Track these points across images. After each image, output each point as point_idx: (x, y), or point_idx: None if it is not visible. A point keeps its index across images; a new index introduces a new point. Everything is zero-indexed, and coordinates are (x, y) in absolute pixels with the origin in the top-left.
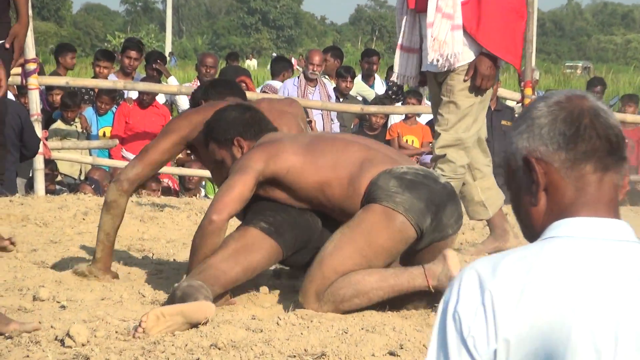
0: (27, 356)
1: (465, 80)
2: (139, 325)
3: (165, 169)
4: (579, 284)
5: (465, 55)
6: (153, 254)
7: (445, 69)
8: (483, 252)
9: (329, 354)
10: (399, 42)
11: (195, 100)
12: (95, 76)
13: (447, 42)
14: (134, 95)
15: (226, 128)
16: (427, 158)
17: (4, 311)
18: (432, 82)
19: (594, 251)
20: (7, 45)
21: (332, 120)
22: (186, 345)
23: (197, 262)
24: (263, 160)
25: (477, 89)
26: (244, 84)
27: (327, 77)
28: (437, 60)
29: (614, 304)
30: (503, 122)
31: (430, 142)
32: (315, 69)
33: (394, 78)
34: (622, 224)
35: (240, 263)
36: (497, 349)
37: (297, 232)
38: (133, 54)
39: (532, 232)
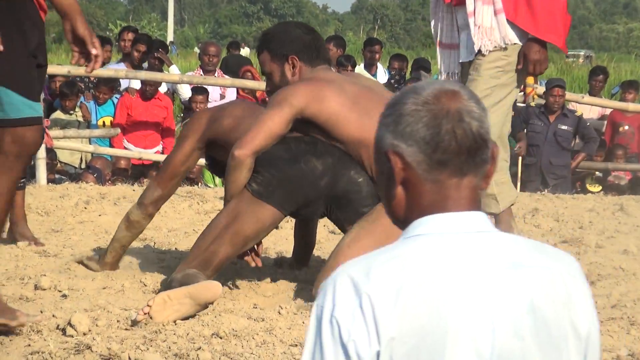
0: (29, 345)
1: (518, 69)
2: (143, 310)
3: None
4: (451, 277)
5: (510, 37)
6: (154, 243)
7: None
8: None
9: None
10: (438, 40)
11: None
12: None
13: (493, 27)
14: (135, 84)
15: (285, 42)
16: None
17: (6, 300)
18: (466, 74)
19: (460, 244)
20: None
21: None
22: (187, 334)
23: (228, 199)
24: (306, 98)
25: (503, 72)
26: (249, 74)
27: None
28: (485, 46)
29: (486, 293)
30: None
31: None
32: None
33: (442, 77)
34: (479, 215)
35: (229, 240)
36: (380, 350)
37: (289, 187)
38: (141, 47)
39: (395, 219)
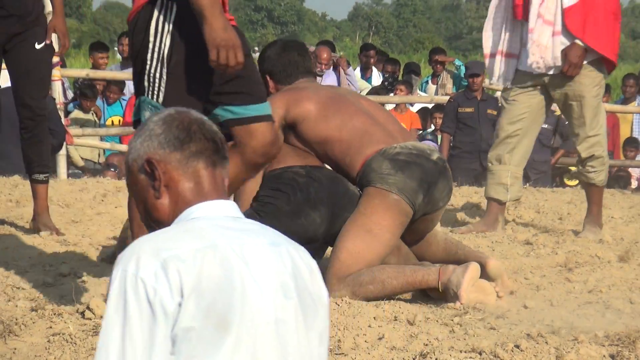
0: (50, 327)
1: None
2: None
3: None
4: (234, 246)
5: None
6: None
7: (546, 72)
8: (471, 232)
9: (330, 325)
10: (499, 48)
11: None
12: (96, 67)
13: (547, 46)
14: None
15: (261, 62)
16: None
17: (30, 286)
18: (525, 79)
19: (230, 224)
20: (48, 41)
21: None
22: None
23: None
24: (284, 105)
25: (599, 87)
26: None
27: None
28: (537, 63)
29: (261, 262)
30: (489, 111)
31: (418, 129)
32: (323, 68)
33: (494, 80)
34: (232, 203)
35: None
36: (182, 302)
37: (292, 239)
38: None
39: (161, 224)
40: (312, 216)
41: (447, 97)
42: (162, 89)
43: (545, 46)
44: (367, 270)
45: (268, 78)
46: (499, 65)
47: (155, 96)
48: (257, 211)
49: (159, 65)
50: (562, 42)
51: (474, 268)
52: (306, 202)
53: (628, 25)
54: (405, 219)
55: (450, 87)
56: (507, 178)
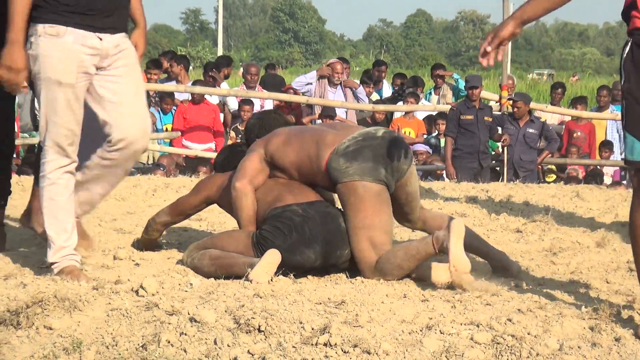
0: (109, 303)
1: None
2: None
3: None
4: None
5: None
6: (208, 222)
7: None
8: None
9: (348, 301)
10: None
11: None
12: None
13: None
14: (183, 97)
15: (247, 133)
16: (419, 147)
17: (91, 268)
18: None
19: None
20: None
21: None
22: (234, 294)
23: (242, 223)
24: (262, 144)
25: None
26: (291, 90)
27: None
28: None
29: None
30: (486, 118)
31: (424, 133)
32: (339, 77)
33: None
34: None
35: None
36: None
37: (282, 260)
38: (253, 69)
39: None
40: (307, 254)
41: (448, 106)
42: None
43: None
44: (387, 260)
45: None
46: None
47: None
48: (259, 244)
49: None
50: None
51: (455, 224)
52: (301, 241)
53: (603, 44)
54: (383, 195)
55: (450, 97)
56: None
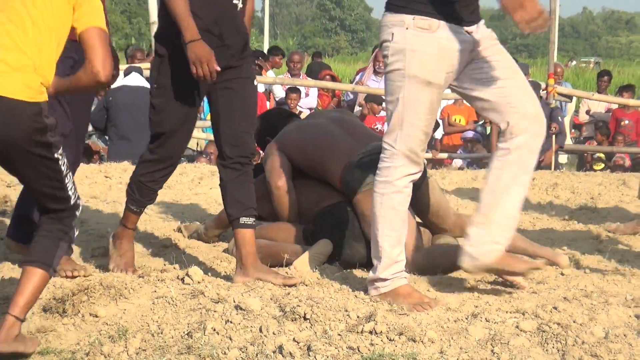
0: (155, 291)
1: None
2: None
3: None
4: None
5: None
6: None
7: None
8: (624, 233)
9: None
10: None
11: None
12: None
13: None
14: None
15: (260, 130)
16: (469, 133)
17: (138, 256)
18: None
19: None
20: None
21: None
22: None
23: (290, 219)
24: (275, 147)
25: None
26: (328, 77)
27: None
28: None
29: None
30: None
31: (475, 120)
32: (381, 65)
33: None
34: None
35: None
36: None
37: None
38: (296, 57)
39: None
40: (356, 247)
41: None
42: None
43: None
44: (425, 261)
45: (269, 139)
46: None
47: None
48: (312, 237)
49: None
50: None
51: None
52: (352, 236)
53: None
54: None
55: None
56: None
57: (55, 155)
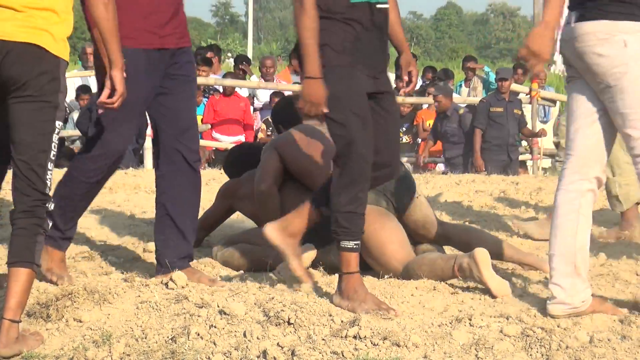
0: (139, 296)
1: None
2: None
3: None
4: None
5: None
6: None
7: None
8: (607, 240)
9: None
10: None
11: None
12: None
13: None
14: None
15: (274, 114)
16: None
17: (121, 261)
18: None
19: None
20: None
21: None
22: (264, 288)
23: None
24: (274, 146)
25: None
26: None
27: None
28: None
29: None
30: (515, 110)
31: None
32: None
33: None
34: None
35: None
36: None
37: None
38: (268, 62)
39: None
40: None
41: (478, 99)
42: None
43: None
44: (412, 270)
45: (280, 127)
46: None
47: None
48: None
49: None
50: None
51: (479, 252)
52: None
53: None
54: (385, 211)
55: (480, 90)
56: (616, 189)
57: (57, 122)
